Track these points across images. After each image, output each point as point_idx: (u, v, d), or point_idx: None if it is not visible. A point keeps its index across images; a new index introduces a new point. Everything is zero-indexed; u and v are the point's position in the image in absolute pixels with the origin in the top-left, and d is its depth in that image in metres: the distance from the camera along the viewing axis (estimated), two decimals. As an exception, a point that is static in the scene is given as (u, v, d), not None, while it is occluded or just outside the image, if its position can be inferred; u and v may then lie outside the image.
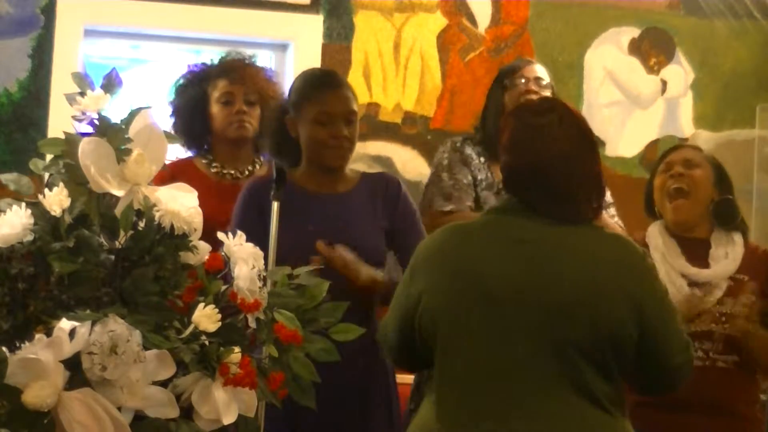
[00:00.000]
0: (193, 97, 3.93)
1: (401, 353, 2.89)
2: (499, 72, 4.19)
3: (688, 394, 3.27)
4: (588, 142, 2.84)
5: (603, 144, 5.19)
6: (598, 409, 2.66)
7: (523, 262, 2.70)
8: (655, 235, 3.64)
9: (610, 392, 2.68)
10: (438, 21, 5.12)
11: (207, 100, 3.92)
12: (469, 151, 3.98)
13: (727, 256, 3.60)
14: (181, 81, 4.01)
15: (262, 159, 3.97)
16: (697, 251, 3.61)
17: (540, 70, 4.06)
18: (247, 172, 3.88)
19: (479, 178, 3.95)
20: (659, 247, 3.60)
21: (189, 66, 4.06)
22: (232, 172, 3.88)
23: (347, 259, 3.27)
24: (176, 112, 3.94)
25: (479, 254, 2.74)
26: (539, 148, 2.77)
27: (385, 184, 3.53)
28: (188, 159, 3.92)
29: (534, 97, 3.88)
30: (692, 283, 3.57)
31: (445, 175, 3.95)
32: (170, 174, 3.48)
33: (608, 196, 4.26)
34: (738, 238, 3.64)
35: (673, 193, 3.62)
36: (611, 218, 4.03)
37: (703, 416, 3.45)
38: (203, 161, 3.91)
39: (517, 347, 2.64)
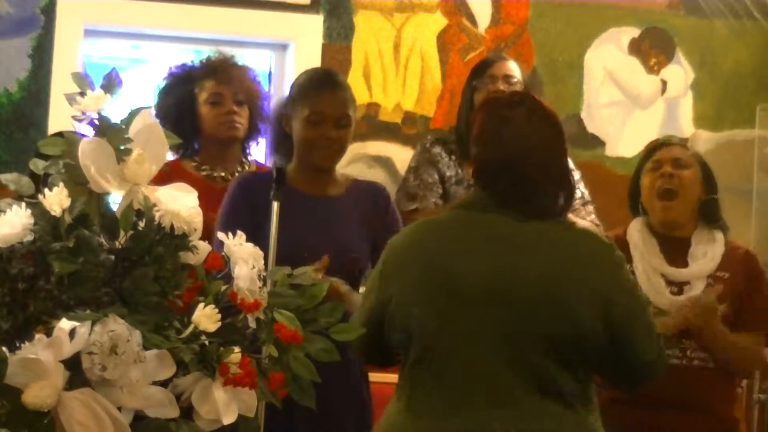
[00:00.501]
0: (179, 99, 3.90)
1: (368, 349, 2.87)
2: (471, 69, 4.20)
3: (664, 392, 3.29)
4: (556, 137, 2.83)
5: (603, 144, 5.20)
6: (564, 407, 2.66)
7: (492, 258, 2.71)
8: (635, 232, 3.63)
9: (576, 388, 2.69)
10: (438, 21, 5.12)
11: (194, 101, 3.90)
12: (437, 150, 4.04)
13: (705, 254, 3.60)
14: (165, 83, 3.98)
15: (249, 160, 3.97)
16: (676, 250, 3.60)
17: (511, 67, 4.07)
18: (236, 174, 3.87)
19: (448, 174, 3.99)
20: (638, 245, 3.60)
21: (170, 68, 4.03)
22: (222, 174, 3.87)
23: (341, 290, 3.26)
24: (163, 115, 3.87)
25: (449, 251, 2.75)
26: (507, 140, 2.78)
27: (375, 194, 3.54)
28: (175, 161, 3.88)
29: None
30: (670, 282, 3.57)
31: (411, 176, 4.04)
32: (160, 177, 3.48)
33: (587, 194, 4.27)
34: (719, 236, 3.63)
35: (663, 193, 3.61)
36: (588, 215, 4.05)
37: (678, 414, 3.45)
38: (191, 163, 3.89)
39: (487, 345, 2.65)
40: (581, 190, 4.24)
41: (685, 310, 3.48)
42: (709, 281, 3.57)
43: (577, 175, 4.15)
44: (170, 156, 3.92)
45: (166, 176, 3.53)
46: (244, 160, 3.95)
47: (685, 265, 3.59)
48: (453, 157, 4.01)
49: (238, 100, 3.89)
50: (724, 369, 3.55)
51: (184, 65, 4.02)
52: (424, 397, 2.69)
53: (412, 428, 2.69)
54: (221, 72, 3.94)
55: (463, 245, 2.74)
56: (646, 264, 3.57)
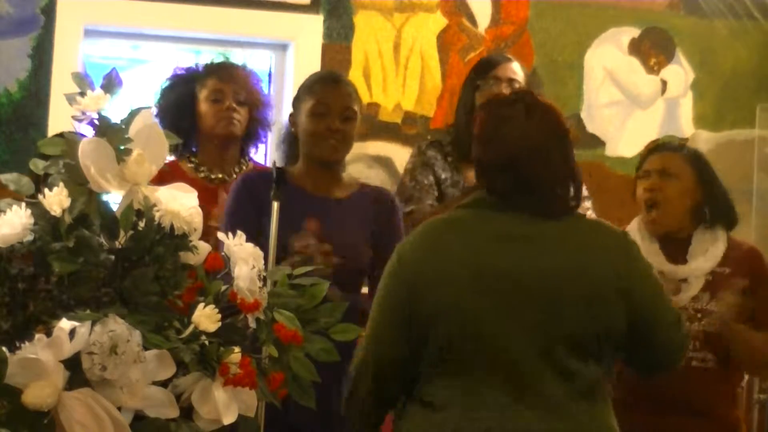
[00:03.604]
0: (180, 96, 3.92)
1: (393, 367, 2.75)
2: (473, 66, 4.19)
3: (664, 394, 3.28)
4: (558, 134, 2.81)
5: (603, 144, 5.20)
6: (590, 402, 2.68)
7: (513, 255, 2.70)
8: (635, 231, 3.63)
9: (600, 382, 2.71)
10: (438, 21, 5.12)
11: (195, 100, 3.91)
12: (432, 152, 4.03)
13: (706, 252, 3.59)
14: (167, 83, 4.00)
15: (248, 160, 3.97)
16: (677, 249, 3.60)
17: (516, 69, 4.06)
18: (234, 174, 3.87)
19: (443, 177, 3.98)
20: (639, 244, 3.59)
21: (174, 69, 4.06)
22: (220, 175, 3.88)
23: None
24: (163, 112, 3.90)
25: (471, 249, 2.72)
26: (506, 139, 2.76)
27: (380, 200, 3.54)
28: (173, 162, 3.88)
29: None
30: (668, 280, 3.57)
31: (407, 178, 4.03)
32: (158, 177, 3.49)
33: (584, 190, 4.27)
34: (722, 234, 3.62)
35: (649, 204, 3.61)
36: (585, 211, 4.04)
37: (680, 417, 3.44)
38: (189, 164, 3.89)
39: (517, 342, 2.65)
40: None
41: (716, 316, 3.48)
42: (708, 277, 3.57)
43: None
44: (168, 157, 3.93)
45: (164, 177, 3.56)
46: (242, 160, 3.95)
47: (685, 262, 3.59)
48: (449, 159, 4.01)
49: (239, 100, 3.90)
50: (725, 368, 3.54)
51: (188, 67, 4.04)
52: (451, 395, 2.67)
53: (438, 425, 2.68)
54: (224, 71, 3.96)
55: (483, 242, 2.73)
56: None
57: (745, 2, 5.35)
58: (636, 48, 5.30)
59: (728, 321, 3.48)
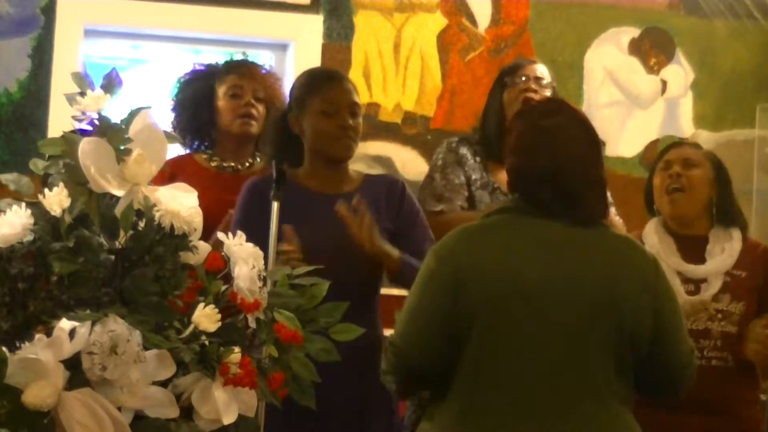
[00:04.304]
0: (199, 91, 3.94)
1: (426, 354, 2.74)
2: (500, 71, 4.18)
3: (685, 394, 3.28)
4: (595, 144, 2.86)
5: (603, 144, 5.19)
6: (619, 410, 2.70)
7: (554, 262, 2.71)
8: (651, 232, 3.64)
9: (628, 392, 2.73)
10: (438, 21, 5.11)
11: (213, 95, 3.92)
12: (464, 151, 3.98)
13: (723, 252, 3.60)
14: (186, 77, 4.02)
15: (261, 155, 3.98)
16: (693, 248, 3.61)
17: (541, 70, 4.05)
18: (247, 164, 3.89)
19: (473, 177, 3.95)
20: (655, 244, 3.61)
21: (194, 65, 4.08)
22: (233, 164, 3.89)
23: (366, 222, 3.24)
24: (181, 106, 3.94)
25: (511, 252, 2.73)
26: (548, 151, 2.77)
27: (388, 186, 3.52)
28: (187, 155, 3.92)
29: (533, 95, 3.87)
30: (687, 280, 3.58)
31: (438, 175, 3.96)
32: (169, 171, 3.50)
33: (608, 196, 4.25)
34: (737, 234, 3.64)
35: (671, 191, 3.63)
36: (614, 216, 4.03)
37: (700, 416, 3.45)
38: (203, 156, 3.91)
39: (553, 348, 2.66)
40: None
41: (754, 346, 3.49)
42: (726, 279, 3.57)
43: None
44: (183, 151, 3.96)
45: (176, 170, 3.58)
46: (256, 153, 3.95)
47: (702, 262, 3.60)
48: (478, 159, 3.98)
49: (258, 97, 3.90)
50: (745, 368, 3.55)
51: (208, 64, 4.06)
52: (486, 401, 2.67)
53: (471, 430, 2.67)
54: (243, 68, 3.97)
55: (522, 246, 2.73)
56: (663, 263, 3.57)
57: (745, 2, 5.35)
58: (636, 48, 5.30)
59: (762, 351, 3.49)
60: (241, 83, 3.90)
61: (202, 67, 4.04)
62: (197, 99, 3.92)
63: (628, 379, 2.73)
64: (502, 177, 3.50)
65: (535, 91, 3.91)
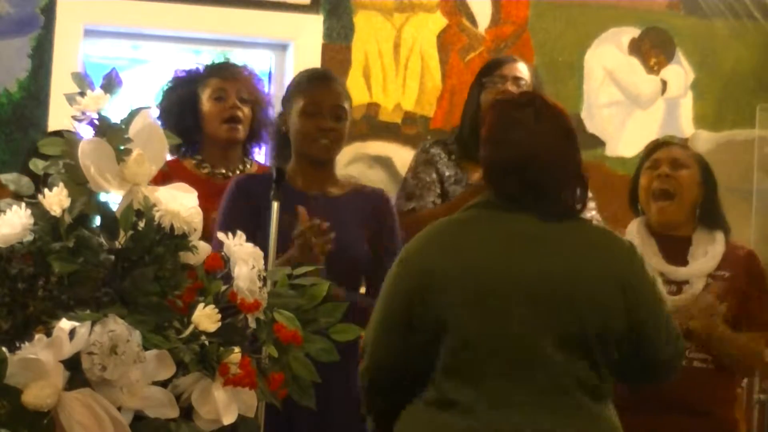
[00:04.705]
0: (182, 97, 3.92)
1: (394, 367, 2.77)
2: (480, 68, 4.19)
3: (665, 394, 3.28)
4: (569, 137, 2.82)
5: (603, 144, 5.19)
6: (606, 403, 2.71)
7: (523, 257, 2.71)
8: (634, 232, 3.63)
9: (603, 386, 2.71)
10: (438, 21, 5.12)
11: (197, 100, 3.91)
12: (436, 150, 4.02)
13: (706, 254, 3.60)
14: (169, 84, 4.00)
15: (251, 159, 3.97)
16: (676, 249, 3.61)
17: (521, 69, 4.05)
18: (238, 171, 3.88)
19: (447, 174, 3.97)
20: (637, 246, 3.60)
21: (175, 71, 4.06)
22: (223, 171, 3.88)
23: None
24: (165, 112, 3.90)
25: (483, 250, 2.73)
26: (514, 142, 2.77)
27: (376, 200, 3.54)
28: (175, 160, 3.88)
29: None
30: (669, 281, 3.57)
31: (410, 176, 4.03)
32: (162, 174, 3.49)
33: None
34: (720, 237, 3.63)
35: (659, 194, 3.62)
36: (589, 211, 4.04)
37: (680, 417, 3.45)
38: (192, 162, 3.90)
39: (521, 344, 2.66)
40: None
41: (686, 312, 3.47)
42: (709, 280, 3.57)
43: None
44: (170, 156, 3.93)
45: (166, 175, 3.55)
46: (245, 160, 3.95)
47: (685, 264, 3.59)
48: (452, 157, 4.00)
49: (242, 98, 3.90)
50: (724, 369, 3.54)
51: (189, 69, 4.04)
52: (459, 395, 2.67)
53: (445, 425, 2.67)
54: (226, 70, 3.96)
55: (493, 243, 2.73)
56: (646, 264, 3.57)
57: (745, 2, 5.35)
58: (636, 48, 5.30)
59: (712, 323, 3.48)
60: (225, 86, 3.89)
61: (184, 73, 4.02)
62: (182, 104, 3.90)
63: (602, 374, 2.71)
64: (477, 177, 3.50)
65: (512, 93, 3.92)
